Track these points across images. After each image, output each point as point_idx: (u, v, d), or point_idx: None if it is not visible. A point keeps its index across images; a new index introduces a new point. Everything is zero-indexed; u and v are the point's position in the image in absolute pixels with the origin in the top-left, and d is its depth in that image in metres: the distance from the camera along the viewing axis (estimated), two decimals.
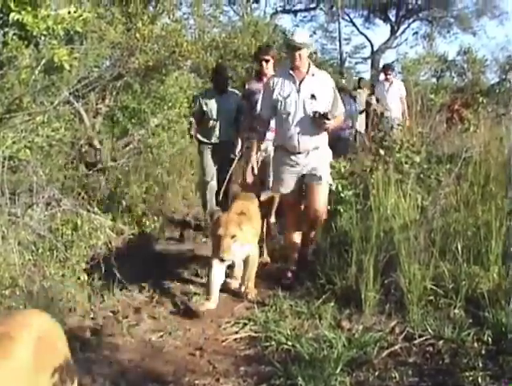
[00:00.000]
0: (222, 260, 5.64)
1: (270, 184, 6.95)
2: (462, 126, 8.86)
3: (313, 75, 6.20)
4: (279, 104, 6.18)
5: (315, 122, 6.07)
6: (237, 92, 8.85)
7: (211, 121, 8.46)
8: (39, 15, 5.14)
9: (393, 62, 25.36)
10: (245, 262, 6.06)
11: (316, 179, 6.16)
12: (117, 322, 5.36)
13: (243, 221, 5.79)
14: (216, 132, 8.49)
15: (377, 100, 13.91)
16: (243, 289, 6.09)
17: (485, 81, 20.38)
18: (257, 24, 17.32)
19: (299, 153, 6.16)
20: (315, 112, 6.07)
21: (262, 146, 7.05)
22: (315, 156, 6.19)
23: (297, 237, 6.51)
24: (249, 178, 6.53)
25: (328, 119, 6.00)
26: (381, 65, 28.13)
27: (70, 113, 8.10)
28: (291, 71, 6.18)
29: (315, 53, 21.64)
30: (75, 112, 8.54)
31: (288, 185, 6.29)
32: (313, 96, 6.10)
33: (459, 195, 6.14)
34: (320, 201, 6.23)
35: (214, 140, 8.51)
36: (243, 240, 5.77)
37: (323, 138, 6.28)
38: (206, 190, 8.60)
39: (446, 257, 5.39)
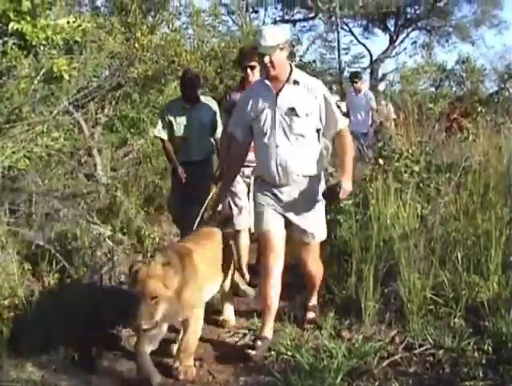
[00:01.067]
0: (144, 330, 4.28)
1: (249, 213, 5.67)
2: (461, 135, 8.88)
3: (296, 82, 4.92)
4: (253, 122, 5.01)
5: (329, 200, 5.09)
6: (213, 101, 7.27)
7: (181, 139, 7.03)
8: (38, 25, 5.15)
9: (392, 71, 25.51)
10: (184, 328, 4.80)
11: (306, 236, 5.06)
12: (116, 331, 5.35)
13: (171, 275, 4.38)
14: (189, 151, 7.02)
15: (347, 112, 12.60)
16: (176, 364, 4.69)
17: (484, 90, 20.41)
18: (256, 34, 17.34)
19: (282, 185, 4.99)
20: (323, 192, 4.99)
21: (246, 171, 6.04)
22: (304, 192, 4.99)
23: (274, 294, 5.06)
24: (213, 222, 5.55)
25: (337, 191, 4.84)
26: (380, 75, 28.32)
27: (69, 123, 8.11)
28: (266, 81, 4.96)
29: (314, 62, 21.73)
30: (74, 122, 8.54)
31: (269, 222, 5.05)
32: (293, 111, 4.84)
33: (458, 204, 6.14)
34: (311, 262, 5.23)
35: (185, 160, 7.03)
36: (172, 301, 4.39)
37: (314, 165, 5.01)
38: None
39: (446, 266, 5.38)
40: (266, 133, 4.94)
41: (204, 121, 6.98)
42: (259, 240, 5.29)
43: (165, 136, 7.10)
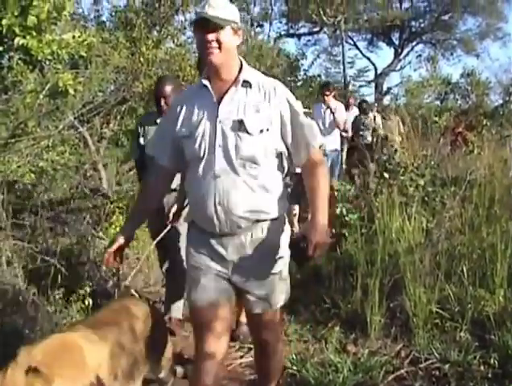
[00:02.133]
0: None
1: None
2: (466, 149, 8.90)
3: (246, 84, 3.40)
4: (185, 141, 3.44)
5: (298, 260, 3.51)
6: None
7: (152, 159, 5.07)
8: (43, 40, 5.18)
9: (397, 85, 25.55)
10: None
11: (260, 306, 3.51)
12: None
13: None
14: None
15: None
16: None
17: (489, 103, 20.50)
18: (261, 48, 17.47)
19: (224, 235, 3.41)
20: (293, 239, 3.45)
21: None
22: (257, 244, 3.43)
23: None
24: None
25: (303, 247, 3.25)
26: (385, 88, 28.37)
27: (75, 138, 8.14)
28: (204, 81, 3.41)
29: (319, 76, 21.78)
30: (79, 137, 8.57)
31: (207, 293, 3.48)
32: (241, 125, 3.30)
33: (464, 217, 6.13)
34: (267, 340, 3.71)
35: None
36: None
37: (271, 204, 3.44)
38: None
39: (451, 280, 5.37)
40: (201, 158, 3.36)
41: None
42: (191, 317, 3.66)
43: (136, 155, 5.72)
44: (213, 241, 3.45)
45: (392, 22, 27.89)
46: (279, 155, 3.50)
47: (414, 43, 31.19)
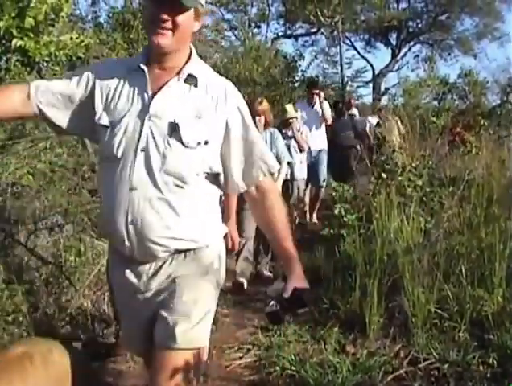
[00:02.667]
0: None
1: None
2: (464, 149, 8.91)
3: (191, 79, 2.69)
4: (102, 131, 2.72)
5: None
6: None
7: None
8: (41, 41, 5.17)
9: (394, 85, 25.54)
10: None
11: (167, 341, 2.65)
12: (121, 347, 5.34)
13: None
14: None
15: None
16: None
17: (487, 103, 20.49)
18: (258, 49, 17.47)
19: (142, 263, 2.74)
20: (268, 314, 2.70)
21: None
22: (180, 278, 2.74)
23: None
24: None
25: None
26: (382, 89, 28.38)
27: (72, 139, 8.13)
28: (142, 65, 2.68)
29: (316, 77, 21.77)
30: (78, 138, 8.56)
31: (131, 338, 3.06)
32: (174, 130, 2.59)
33: (462, 217, 6.13)
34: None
35: None
36: None
37: (197, 229, 2.74)
38: None
39: (450, 280, 5.37)
40: (118, 158, 2.63)
41: None
42: None
43: None
44: (128, 266, 2.77)
45: (389, 22, 27.90)
46: (215, 177, 2.77)
47: (411, 44, 31.23)
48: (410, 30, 30.57)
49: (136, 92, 2.66)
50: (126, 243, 2.64)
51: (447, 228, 6.08)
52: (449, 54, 30.77)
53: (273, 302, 2.63)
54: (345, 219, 6.79)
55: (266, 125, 7.14)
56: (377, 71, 30.52)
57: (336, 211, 6.70)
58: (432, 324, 5.08)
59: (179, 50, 2.65)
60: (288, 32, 29.47)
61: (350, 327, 5.38)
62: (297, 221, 9.78)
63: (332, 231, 6.50)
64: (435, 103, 19.63)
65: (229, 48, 19.95)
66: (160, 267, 2.72)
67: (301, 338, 5.35)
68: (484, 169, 6.81)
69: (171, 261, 2.72)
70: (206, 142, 2.63)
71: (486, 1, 28.13)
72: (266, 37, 26.03)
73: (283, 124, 8.78)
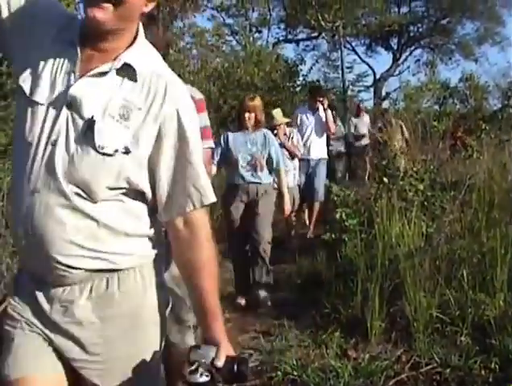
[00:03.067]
0: None
1: None
2: (465, 153, 8.90)
3: (126, 70, 2.03)
4: (20, 95, 2.08)
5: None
6: None
7: None
8: None
9: (395, 89, 25.55)
10: None
11: None
12: None
13: None
14: None
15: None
16: None
17: (488, 107, 20.47)
18: (259, 54, 17.47)
19: (57, 286, 2.04)
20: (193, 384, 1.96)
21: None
22: (100, 305, 2.07)
23: None
24: None
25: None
26: (384, 93, 28.39)
27: None
28: (75, 40, 2.04)
29: (317, 81, 21.80)
30: None
31: (18, 361, 2.07)
32: (88, 127, 1.95)
33: (463, 222, 6.13)
34: None
35: None
36: None
37: (117, 248, 2.06)
38: None
39: (451, 285, 5.37)
40: (28, 144, 2.00)
41: None
42: None
43: None
44: (38, 287, 2.09)
45: (390, 26, 27.89)
46: (142, 195, 2.13)
47: (412, 48, 31.21)
48: (411, 34, 30.56)
49: (64, 67, 2.03)
50: (22, 248, 2.07)
51: (448, 233, 6.07)
52: (450, 58, 30.77)
53: (201, 370, 1.99)
54: (347, 223, 6.79)
55: (257, 125, 6.64)
56: (378, 76, 30.53)
57: (338, 216, 6.70)
58: (434, 329, 5.07)
59: (120, 30, 2.03)
60: (289, 37, 29.49)
61: (352, 332, 5.37)
62: (293, 232, 9.62)
63: (333, 235, 6.49)
64: (436, 107, 19.64)
65: (230, 53, 19.92)
66: (75, 291, 2.05)
67: (303, 343, 5.34)
68: (485, 173, 6.80)
69: (88, 284, 2.06)
70: (127, 151, 1.99)
71: (487, 5, 28.14)
72: (267, 42, 26.07)
73: (271, 131, 7.71)
